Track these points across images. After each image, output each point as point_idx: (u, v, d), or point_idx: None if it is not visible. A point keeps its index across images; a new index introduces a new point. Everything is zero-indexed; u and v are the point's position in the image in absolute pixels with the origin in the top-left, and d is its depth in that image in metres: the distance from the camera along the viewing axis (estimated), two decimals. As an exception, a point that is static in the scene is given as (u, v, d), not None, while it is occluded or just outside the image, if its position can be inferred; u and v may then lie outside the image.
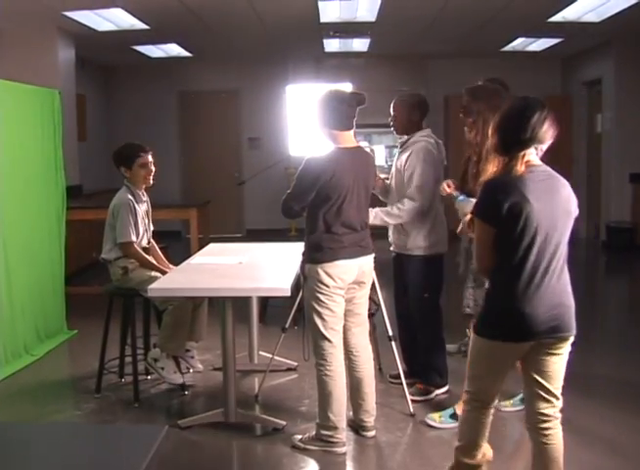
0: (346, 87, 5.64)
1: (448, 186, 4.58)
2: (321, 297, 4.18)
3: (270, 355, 5.40)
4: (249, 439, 4.58)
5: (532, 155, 3.22)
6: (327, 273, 4.15)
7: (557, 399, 3.33)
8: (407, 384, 4.95)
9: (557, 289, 3.26)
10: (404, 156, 4.96)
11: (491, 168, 3.31)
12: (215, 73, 13.41)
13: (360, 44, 11.77)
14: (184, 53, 11.98)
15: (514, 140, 3.19)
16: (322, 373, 4.23)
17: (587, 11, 8.96)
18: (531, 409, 3.36)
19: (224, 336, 4.57)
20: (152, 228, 5.64)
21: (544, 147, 3.26)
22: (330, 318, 4.21)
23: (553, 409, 3.33)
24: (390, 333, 5.02)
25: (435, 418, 4.67)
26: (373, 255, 4.36)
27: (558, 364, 3.31)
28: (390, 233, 5.16)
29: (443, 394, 5.18)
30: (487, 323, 3.31)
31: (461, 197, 4.44)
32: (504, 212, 3.12)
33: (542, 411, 3.31)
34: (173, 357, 5.30)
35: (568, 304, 3.32)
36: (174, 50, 11.76)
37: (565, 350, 3.32)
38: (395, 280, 5.28)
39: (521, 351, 3.29)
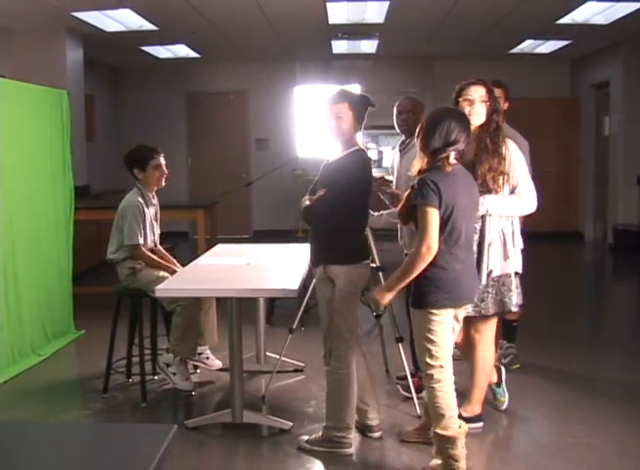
0: (354, 88, 5.63)
1: None
2: (350, 299, 4.19)
3: (277, 356, 5.40)
4: (255, 439, 4.58)
5: (452, 156, 3.79)
6: (359, 274, 4.19)
7: None
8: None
9: (473, 264, 4.03)
10: (410, 156, 4.88)
11: (419, 166, 3.83)
12: (223, 74, 13.42)
13: (368, 46, 11.77)
14: (192, 54, 12.00)
15: (439, 145, 3.73)
16: (339, 374, 4.21)
17: (595, 13, 8.95)
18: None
19: (231, 337, 4.58)
20: (159, 231, 5.65)
21: (460, 149, 3.80)
22: (354, 321, 4.23)
23: None
24: (398, 334, 5.03)
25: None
26: None
27: None
28: (404, 234, 5.11)
29: None
30: (440, 295, 3.76)
31: None
32: (444, 201, 3.67)
33: None
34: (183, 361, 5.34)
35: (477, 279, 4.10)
36: (182, 51, 11.77)
37: None
38: None
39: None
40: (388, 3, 8.42)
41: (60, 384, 5.70)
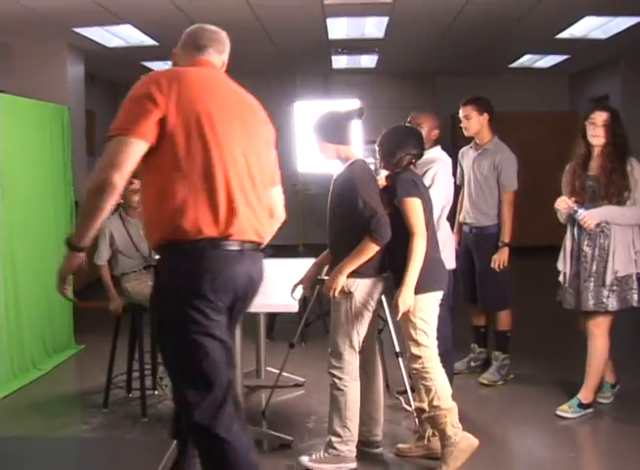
0: (354, 104, 5.67)
1: (565, 202, 4.89)
2: (366, 311, 4.19)
3: (278, 371, 5.40)
4: (256, 454, 4.57)
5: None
6: (375, 287, 4.20)
7: None
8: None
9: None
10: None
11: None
12: (224, 90, 13.42)
13: (368, 61, 11.80)
14: (193, 69, 12.01)
15: (400, 154, 4.27)
16: (344, 387, 4.18)
17: (594, 28, 8.99)
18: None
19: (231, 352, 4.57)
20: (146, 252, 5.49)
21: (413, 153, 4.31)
22: (363, 333, 4.23)
23: None
24: (398, 349, 5.03)
25: (566, 409, 5.00)
26: None
27: None
28: None
29: None
30: (431, 279, 4.15)
31: (581, 210, 4.81)
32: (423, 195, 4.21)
33: None
34: None
35: None
36: (183, 66, 11.79)
37: None
38: None
39: None
40: (387, 18, 8.45)
41: (60, 398, 5.69)
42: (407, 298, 4.06)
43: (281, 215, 3.55)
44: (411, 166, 4.33)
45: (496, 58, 11.26)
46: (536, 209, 13.78)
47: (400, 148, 4.28)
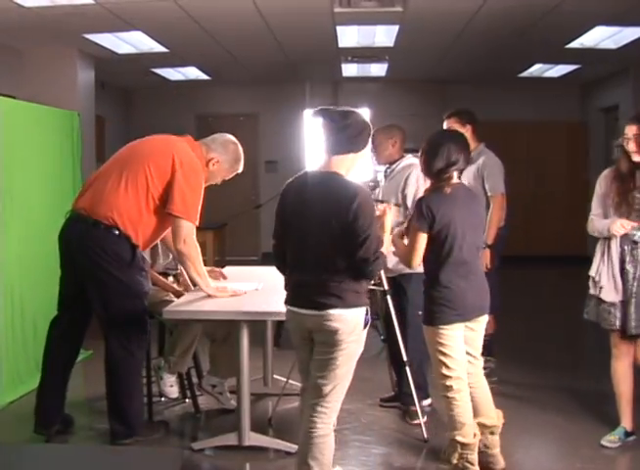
0: (364, 112, 5.70)
1: (623, 226, 4.42)
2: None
3: (284, 379, 5.38)
4: (261, 462, 4.56)
5: (455, 176, 4.10)
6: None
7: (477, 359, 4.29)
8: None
9: (478, 277, 4.20)
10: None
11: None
12: (234, 97, 13.49)
13: (378, 69, 11.80)
14: (203, 76, 12.07)
15: (442, 165, 4.03)
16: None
17: (605, 38, 8.98)
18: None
19: (239, 359, 4.57)
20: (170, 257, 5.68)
21: (461, 168, 4.13)
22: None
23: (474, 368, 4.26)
24: (405, 358, 5.01)
25: (613, 440, 4.69)
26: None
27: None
28: (391, 259, 5.10)
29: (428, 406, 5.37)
30: (449, 312, 4.03)
31: None
32: (437, 223, 3.99)
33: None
34: (179, 376, 5.46)
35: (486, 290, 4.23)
36: (193, 73, 11.83)
37: None
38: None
39: None
40: (397, 27, 8.45)
41: (67, 404, 5.66)
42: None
43: None
44: (452, 183, 4.09)
45: (506, 67, 11.25)
46: (546, 218, 13.83)
47: (451, 162, 4.06)
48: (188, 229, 4.67)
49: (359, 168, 3.83)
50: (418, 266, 4.14)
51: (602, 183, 4.68)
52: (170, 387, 5.43)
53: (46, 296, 6.27)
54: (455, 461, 4.10)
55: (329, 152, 3.72)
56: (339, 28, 8.57)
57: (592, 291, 4.68)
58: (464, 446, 4.07)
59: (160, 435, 4.98)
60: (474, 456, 4.09)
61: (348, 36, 9.14)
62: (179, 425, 5.27)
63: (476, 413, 4.24)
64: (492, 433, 4.27)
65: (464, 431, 4.07)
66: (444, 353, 4.07)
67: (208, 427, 5.22)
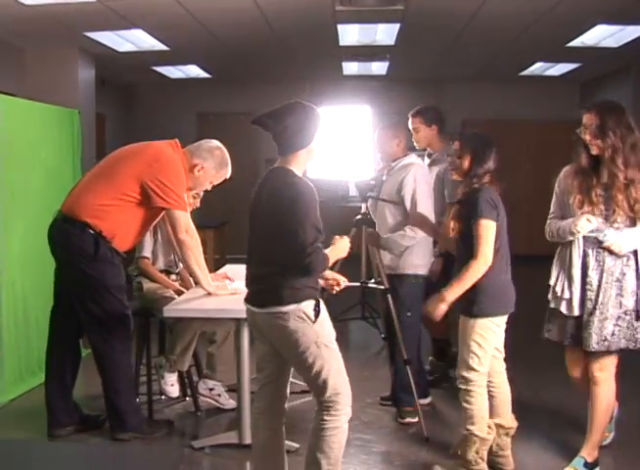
0: (365, 110, 5.74)
1: (589, 221, 4.06)
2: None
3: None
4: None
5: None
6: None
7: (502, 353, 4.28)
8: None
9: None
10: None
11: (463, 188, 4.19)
12: (234, 95, 13.46)
13: (379, 67, 11.80)
14: (203, 74, 12.06)
15: (489, 166, 4.10)
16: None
17: (606, 36, 8.97)
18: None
19: (239, 357, 4.57)
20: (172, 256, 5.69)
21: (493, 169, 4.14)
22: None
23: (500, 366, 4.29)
24: (406, 357, 5.01)
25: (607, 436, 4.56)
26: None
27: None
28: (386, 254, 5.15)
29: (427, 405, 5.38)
30: (496, 303, 4.08)
31: (608, 231, 4.07)
32: (500, 216, 4.09)
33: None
34: (179, 375, 5.49)
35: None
36: (193, 71, 11.83)
37: None
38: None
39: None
40: (398, 25, 8.45)
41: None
42: (431, 307, 4.08)
43: None
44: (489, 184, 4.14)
45: (507, 65, 11.24)
46: (547, 217, 13.81)
47: (491, 164, 4.14)
48: (184, 217, 4.70)
49: (317, 158, 3.80)
50: (488, 265, 4.01)
51: (561, 180, 4.34)
52: (171, 386, 5.43)
53: (48, 293, 6.25)
54: (471, 456, 4.10)
55: (278, 153, 3.72)
56: (340, 27, 8.56)
57: (553, 304, 4.30)
58: (480, 440, 4.09)
59: (162, 433, 4.98)
60: (485, 453, 4.13)
61: (349, 34, 9.13)
62: (180, 423, 5.27)
63: (495, 413, 4.24)
64: (507, 434, 4.27)
65: (482, 426, 4.09)
66: (482, 347, 4.07)
67: (209, 425, 5.22)
